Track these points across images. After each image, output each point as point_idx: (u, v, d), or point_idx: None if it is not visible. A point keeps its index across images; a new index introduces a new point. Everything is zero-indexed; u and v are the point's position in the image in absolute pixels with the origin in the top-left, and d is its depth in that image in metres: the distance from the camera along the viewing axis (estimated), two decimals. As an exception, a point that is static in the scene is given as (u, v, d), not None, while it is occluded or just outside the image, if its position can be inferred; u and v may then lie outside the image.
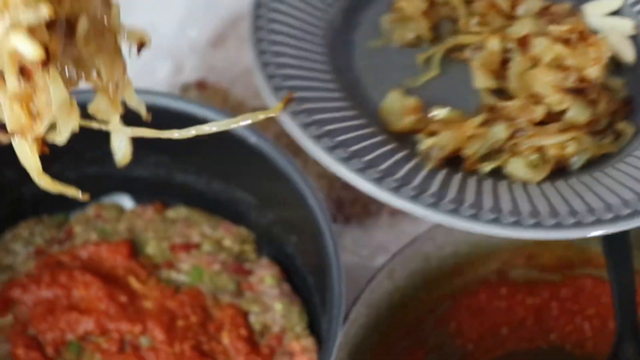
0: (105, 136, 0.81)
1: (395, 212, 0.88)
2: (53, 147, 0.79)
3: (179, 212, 0.86)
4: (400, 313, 0.76)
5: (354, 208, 0.88)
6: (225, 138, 0.76)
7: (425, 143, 0.72)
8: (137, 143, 0.81)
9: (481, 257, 0.79)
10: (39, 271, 0.81)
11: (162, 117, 0.77)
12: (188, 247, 0.83)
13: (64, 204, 0.86)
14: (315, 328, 0.79)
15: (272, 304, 0.80)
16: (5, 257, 0.84)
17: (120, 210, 0.86)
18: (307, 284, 0.79)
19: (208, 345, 0.78)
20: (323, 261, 0.70)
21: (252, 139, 0.75)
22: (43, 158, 0.79)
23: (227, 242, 0.84)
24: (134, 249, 0.83)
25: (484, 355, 0.80)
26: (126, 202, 0.87)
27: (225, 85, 0.93)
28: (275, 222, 0.80)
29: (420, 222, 0.88)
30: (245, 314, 0.79)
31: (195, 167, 0.82)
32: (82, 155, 0.82)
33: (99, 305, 0.79)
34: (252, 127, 0.75)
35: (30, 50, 0.47)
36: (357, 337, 0.72)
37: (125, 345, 0.78)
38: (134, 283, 0.81)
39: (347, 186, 0.88)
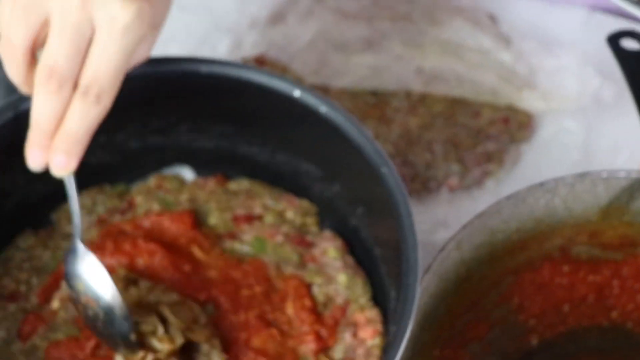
0: (172, 107, 0.82)
1: (455, 189, 0.89)
2: (119, 115, 0.80)
3: (240, 184, 0.86)
4: (465, 286, 0.76)
5: (413, 184, 0.88)
6: (293, 108, 0.77)
7: None
8: (204, 114, 0.82)
9: (545, 233, 0.79)
10: (102, 239, 0.82)
11: (233, 87, 0.78)
12: (250, 218, 0.83)
13: (125, 175, 0.87)
14: (379, 300, 0.79)
15: (335, 275, 0.80)
16: (67, 225, 0.84)
17: (182, 181, 0.86)
18: (372, 256, 0.79)
19: (272, 315, 0.78)
20: (394, 230, 0.70)
21: (323, 108, 0.75)
22: (109, 126, 0.80)
23: (290, 214, 0.84)
24: (197, 219, 0.83)
25: (545, 330, 0.81)
26: (187, 173, 0.87)
27: (285, 61, 0.93)
28: (341, 193, 0.80)
29: (479, 198, 0.89)
30: (308, 286, 0.79)
31: (260, 139, 0.82)
32: (147, 124, 0.82)
33: (163, 274, 0.79)
34: (322, 96, 0.75)
35: None
36: (427, 306, 0.72)
37: (190, 313, 0.78)
38: (197, 252, 0.81)
39: (406, 163, 0.89)
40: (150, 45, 0.69)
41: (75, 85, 0.66)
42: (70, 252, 0.73)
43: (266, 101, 0.78)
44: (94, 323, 0.73)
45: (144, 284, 0.77)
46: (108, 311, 0.72)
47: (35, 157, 0.68)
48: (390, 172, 0.71)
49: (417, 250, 0.68)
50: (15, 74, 0.68)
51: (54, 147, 0.68)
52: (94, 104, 0.66)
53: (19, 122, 0.76)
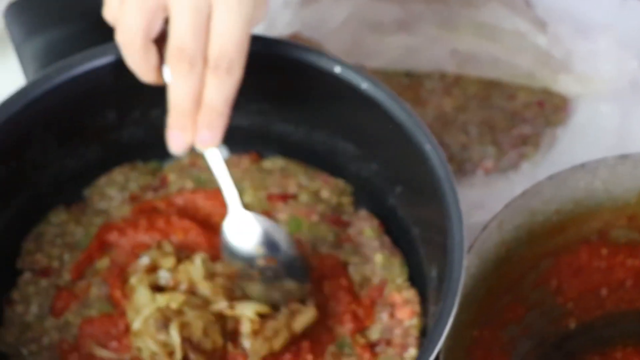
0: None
1: (490, 171, 0.88)
2: (154, 91, 0.79)
3: (275, 162, 0.85)
4: (505, 267, 0.75)
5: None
6: (333, 84, 0.76)
7: None
8: (240, 91, 0.81)
9: (584, 215, 0.78)
10: (134, 216, 0.81)
11: (271, 63, 0.77)
12: (285, 197, 0.82)
13: (158, 152, 0.85)
14: (416, 281, 0.78)
15: (372, 255, 0.79)
16: (99, 201, 0.83)
17: (215, 159, 0.86)
18: (410, 236, 0.78)
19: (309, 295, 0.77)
20: (437, 208, 0.69)
21: (364, 84, 0.74)
22: (144, 101, 0.79)
23: (325, 194, 0.83)
24: (231, 197, 0.83)
25: (583, 314, 0.80)
26: (220, 151, 0.86)
27: (318, 41, 0.92)
28: (379, 172, 0.79)
29: (515, 181, 0.88)
30: (344, 265, 0.78)
31: (296, 116, 0.81)
32: (182, 101, 0.81)
33: (198, 251, 0.78)
34: (362, 72, 0.74)
35: None
36: (467, 287, 0.71)
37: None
38: (232, 230, 0.80)
39: (441, 144, 0.88)
40: (265, 6, 0.70)
41: (205, 62, 0.66)
42: (233, 223, 0.74)
43: (305, 78, 0.76)
44: (269, 283, 0.73)
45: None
46: (288, 263, 0.74)
47: (178, 140, 0.69)
48: (434, 149, 0.70)
49: (462, 227, 0.67)
50: (137, 63, 0.69)
51: (198, 124, 0.68)
52: (226, 76, 0.67)
53: (53, 95, 0.75)
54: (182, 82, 0.66)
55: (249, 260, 0.74)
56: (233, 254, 0.75)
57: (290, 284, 0.74)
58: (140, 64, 0.69)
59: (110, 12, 0.68)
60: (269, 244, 0.74)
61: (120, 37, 0.68)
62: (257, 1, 0.67)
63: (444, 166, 0.70)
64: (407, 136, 0.72)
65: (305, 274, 0.75)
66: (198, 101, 0.67)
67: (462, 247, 0.66)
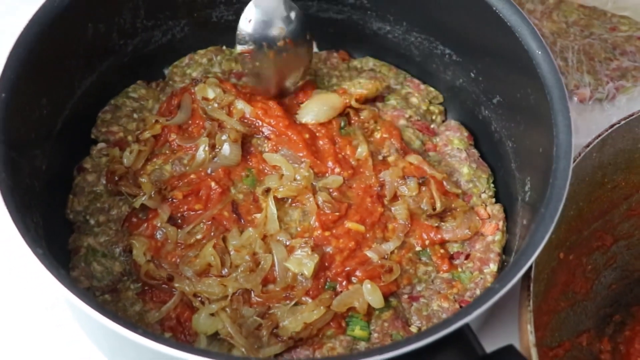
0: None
1: (585, 100, 0.85)
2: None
3: (365, 63, 0.82)
4: (598, 192, 0.72)
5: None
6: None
7: None
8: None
9: (684, 151, 0.74)
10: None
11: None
12: (373, 98, 0.79)
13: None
14: (502, 198, 0.75)
15: (458, 167, 0.76)
16: (181, 81, 0.80)
17: (303, 53, 0.83)
18: (501, 150, 0.74)
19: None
20: (541, 118, 0.66)
21: (476, -15, 0.70)
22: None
23: (414, 100, 0.80)
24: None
25: (671, 255, 0.77)
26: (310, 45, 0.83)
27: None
28: (476, 81, 0.76)
29: (609, 112, 0.85)
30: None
31: (396, 14, 0.78)
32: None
33: (287, 138, 0.75)
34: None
35: None
36: (561, 204, 0.68)
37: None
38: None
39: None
40: None
41: None
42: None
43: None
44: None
45: None
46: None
47: None
48: (546, 56, 0.67)
49: (570, 132, 0.63)
50: None
51: None
52: None
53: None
54: None
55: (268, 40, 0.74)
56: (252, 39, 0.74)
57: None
58: None
59: None
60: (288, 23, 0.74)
61: None
62: None
63: (555, 74, 0.66)
64: (518, 41, 0.68)
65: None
66: None
67: (570, 154, 0.63)
